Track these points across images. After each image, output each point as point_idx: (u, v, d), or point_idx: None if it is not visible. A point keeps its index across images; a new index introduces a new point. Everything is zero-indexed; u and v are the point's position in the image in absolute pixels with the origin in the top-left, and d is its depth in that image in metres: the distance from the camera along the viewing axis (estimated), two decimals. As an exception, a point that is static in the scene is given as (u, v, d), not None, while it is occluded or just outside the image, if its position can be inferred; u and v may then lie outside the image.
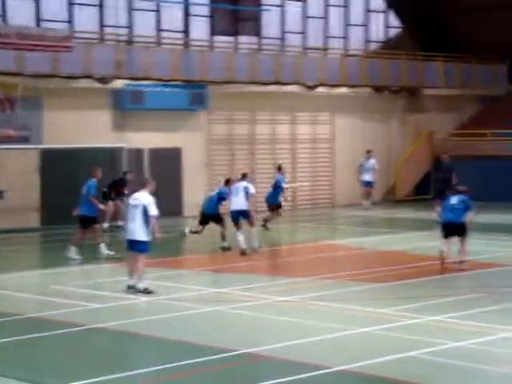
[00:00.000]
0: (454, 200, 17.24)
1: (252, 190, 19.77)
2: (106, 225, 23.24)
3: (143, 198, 14.67)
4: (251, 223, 19.49)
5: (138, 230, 14.54)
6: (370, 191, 29.59)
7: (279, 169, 24.35)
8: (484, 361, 10.27)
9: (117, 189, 24.07)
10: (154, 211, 14.55)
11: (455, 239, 17.02)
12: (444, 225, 17.21)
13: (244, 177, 20.36)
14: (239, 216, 19.46)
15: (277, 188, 23.92)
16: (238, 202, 19.50)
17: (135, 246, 14.65)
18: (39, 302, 14.22)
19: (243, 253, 18.92)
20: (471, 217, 16.89)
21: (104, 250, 18.83)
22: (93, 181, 19.30)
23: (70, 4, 27.44)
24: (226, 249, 19.42)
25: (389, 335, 11.68)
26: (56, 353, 11.15)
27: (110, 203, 23.71)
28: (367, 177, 29.39)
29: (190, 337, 11.65)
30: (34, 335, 11.82)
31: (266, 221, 23.31)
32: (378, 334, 11.78)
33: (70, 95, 25.42)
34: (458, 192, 17.43)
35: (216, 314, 13.28)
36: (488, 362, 10.23)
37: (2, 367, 10.17)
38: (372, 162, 29.51)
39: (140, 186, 15.06)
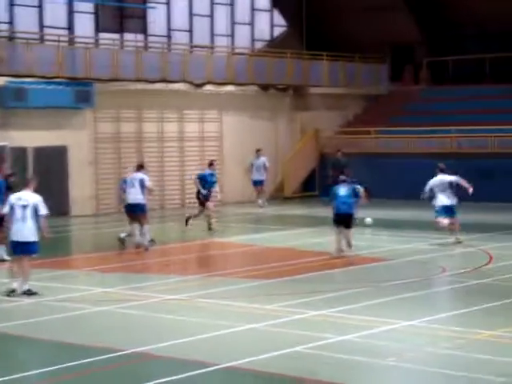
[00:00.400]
0: (342, 191, 17.76)
1: (148, 182, 19.64)
2: None
3: (31, 198, 14.33)
4: (145, 218, 19.34)
5: (29, 231, 14.20)
6: (261, 190, 29.86)
7: (211, 164, 23.76)
8: (369, 354, 10.53)
9: None
10: (44, 210, 14.27)
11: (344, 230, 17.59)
12: (336, 215, 17.79)
13: (140, 168, 20.10)
14: (134, 209, 19.33)
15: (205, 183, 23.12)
16: (134, 194, 19.34)
17: (26, 248, 14.26)
18: None
19: (138, 247, 18.96)
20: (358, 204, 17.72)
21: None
22: None
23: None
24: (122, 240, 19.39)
25: (276, 331, 11.84)
26: None
27: None
28: (257, 175, 29.72)
29: (78, 338, 11.50)
30: None
31: (189, 218, 23.08)
32: (265, 329, 11.92)
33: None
34: (342, 182, 18.01)
35: (104, 313, 13.15)
36: (373, 354, 10.49)
37: None
38: (262, 160, 29.84)
39: (23, 184, 14.68)
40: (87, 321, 12.76)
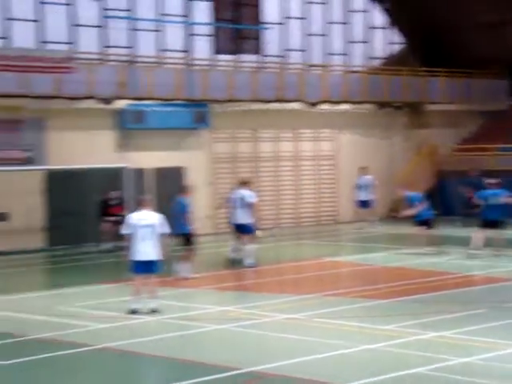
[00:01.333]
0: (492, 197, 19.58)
1: (251, 198, 19.54)
2: (108, 246, 23.38)
3: (153, 217, 14.63)
4: (249, 238, 19.38)
5: (152, 250, 14.48)
6: (366, 212, 28.76)
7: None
8: (495, 377, 10.22)
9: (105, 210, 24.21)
10: (165, 229, 14.56)
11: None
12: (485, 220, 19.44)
13: (243, 184, 19.88)
14: (240, 229, 19.43)
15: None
16: (238, 213, 19.39)
17: (149, 267, 14.53)
18: (43, 323, 14.19)
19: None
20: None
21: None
22: (185, 199, 18.72)
23: (72, 25, 27.59)
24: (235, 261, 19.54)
25: (394, 352, 11.64)
26: (63, 374, 11.13)
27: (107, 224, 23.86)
28: (363, 196, 28.41)
29: (197, 355, 11.63)
30: (38, 356, 11.80)
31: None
32: (383, 350, 11.74)
33: (73, 116, 25.50)
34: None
35: (222, 332, 13.26)
36: (499, 378, 10.18)
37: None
38: (368, 178, 28.70)
39: (141, 205, 14.95)
40: (206, 339, 12.89)
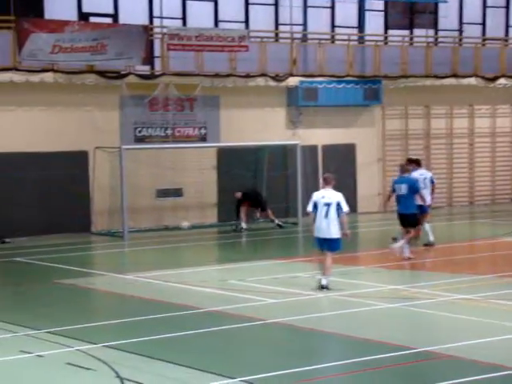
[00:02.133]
0: None
1: (422, 183, 18.95)
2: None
3: (334, 195, 14.64)
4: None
5: (332, 228, 14.54)
6: None
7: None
8: None
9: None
10: (346, 207, 14.56)
11: None
12: None
13: (413, 164, 19.22)
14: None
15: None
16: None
17: (330, 245, 14.61)
18: (218, 297, 14.53)
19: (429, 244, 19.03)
20: None
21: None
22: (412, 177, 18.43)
23: (247, 4, 27.93)
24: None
25: None
26: (238, 345, 11.35)
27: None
28: None
29: (368, 333, 11.53)
30: (213, 328, 12.09)
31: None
32: None
33: (245, 94, 25.86)
34: None
35: (393, 311, 13.09)
36: None
37: (182, 357, 10.45)
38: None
39: (325, 182, 14.92)
40: (377, 317, 12.77)
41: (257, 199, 24.31)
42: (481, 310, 12.83)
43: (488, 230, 23.40)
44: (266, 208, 24.29)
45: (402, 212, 17.93)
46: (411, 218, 17.80)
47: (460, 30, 31.17)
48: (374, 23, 29.77)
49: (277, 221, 24.17)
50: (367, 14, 29.69)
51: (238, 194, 23.93)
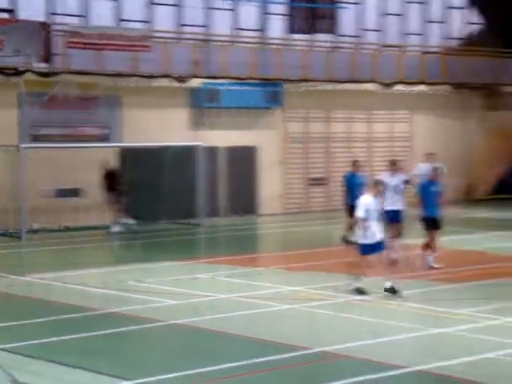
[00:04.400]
0: None
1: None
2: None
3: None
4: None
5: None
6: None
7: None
8: None
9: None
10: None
11: None
12: None
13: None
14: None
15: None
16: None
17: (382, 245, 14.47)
18: (117, 298, 14.43)
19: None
20: None
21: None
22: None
23: (150, 4, 27.82)
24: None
25: (467, 336, 11.48)
26: (136, 347, 11.32)
27: None
28: None
29: (266, 334, 11.67)
30: (113, 330, 12.02)
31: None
32: (456, 334, 11.60)
33: (148, 94, 25.76)
34: None
35: (291, 311, 13.27)
36: None
37: (81, 360, 10.37)
38: (437, 166, 25.03)
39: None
40: (275, 318, 12.93)
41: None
42: (378, 311, 13.15)
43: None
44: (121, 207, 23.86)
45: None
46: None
47: (359, 36, 31.81)
48: (277, 27, 30.10)
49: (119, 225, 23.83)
50: (269, 17, 30.00)
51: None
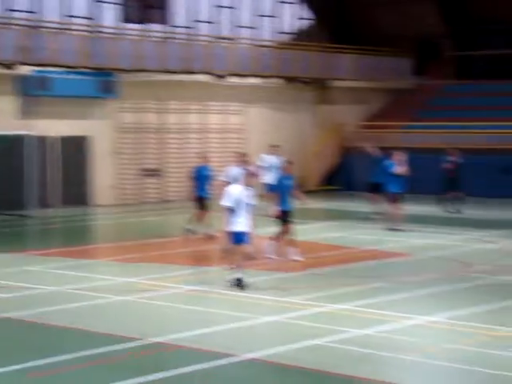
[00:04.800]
0: None
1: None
2: None
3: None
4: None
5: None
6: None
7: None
8: (391, 348, 10.43)
9: None
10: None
11: None
12: None
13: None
14: None
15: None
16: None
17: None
18: None
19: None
20: None
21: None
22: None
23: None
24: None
25: (296, 323, 11.76)
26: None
27: None
28: (268, 178, 22.91)
29: (100, 326, 11.50)
30: None
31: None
32: (286, 322, 11.86)
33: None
34: None
35: (125, 303, 13.13)
36: (395, 349, 10.39)
37: None
38: (278, 159, 23.47)
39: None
40: (108, 310, 12.76)
41: None
42: (211, 301, 13.23)
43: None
44: None
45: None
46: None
47: (192, 28, 31.85)
48: (109, 16, 29.64)
49: None
50: (102, 5, 29.49)
51: None
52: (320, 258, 17.07)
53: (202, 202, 19.83)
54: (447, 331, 11.35)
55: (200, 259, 17.74)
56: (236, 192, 14.15)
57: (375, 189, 22.83)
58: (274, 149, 24.58)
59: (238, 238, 13.99)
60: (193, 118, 30.14)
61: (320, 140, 33.17)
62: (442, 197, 25.29)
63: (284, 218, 16.75)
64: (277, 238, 16.93)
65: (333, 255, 17.40)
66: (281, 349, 10.39)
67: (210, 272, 15.90)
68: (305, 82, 32.90)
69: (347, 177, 31.43)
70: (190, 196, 20.24)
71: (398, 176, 21.01)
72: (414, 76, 35.75)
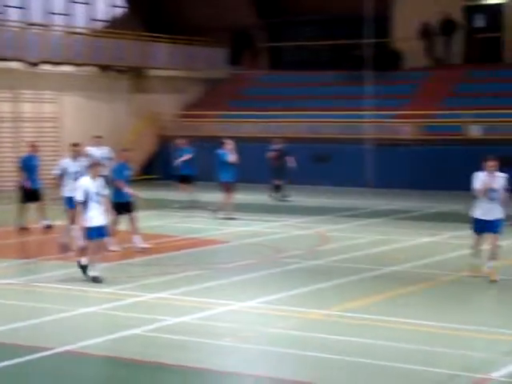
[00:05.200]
0: None
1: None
2: None
3: None
4: None
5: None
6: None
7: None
8: (206, 335, 10.60)
9: None
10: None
11: None
12: None
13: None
14: None
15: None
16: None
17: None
18: None
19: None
20: None
21: None
22: None
23: None
24: None
25: (113, 314, 11.72)
26: None
27: None
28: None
29: None
30: None
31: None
32: (102, 313, 11.79)
33: None
34: None
35: None
36: (209, 335, 10.58)
37: None
38: (105, 150, 22.94)
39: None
40: None
41: None
42: (24, 294, 12.92)
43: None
44: None
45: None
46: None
47: (2, 13, 30.78)
48: None
49: None
50: None
51: None
52: (135, 248, 16.99)
53: (29, 192, 19.30)
54: (263, 315, 11.67)
55: (22, 251, 17.24)
56: (85, 184, 13.81)
57: (185, 180, 23.74)
58: (96, 140, 24.01)
59: (93, 232, 13.68)
60: (5, 107, 29.14)
61: (136, 129, 33.01)
62: (269, 185, 25.83)
63: (123, 208, 16.41)
64: (113, 229, 16.49)
65: (152, 244, 17.38)
66: (98, 340, 10.32)
67: (31, 264, 15.49)
68: (120, 71, 32.60)
69: (165, 166, 31.47)
70: (18, 186, 19.69)
71: (229, 165, 21.32)
72: (229, 66, 36.28)
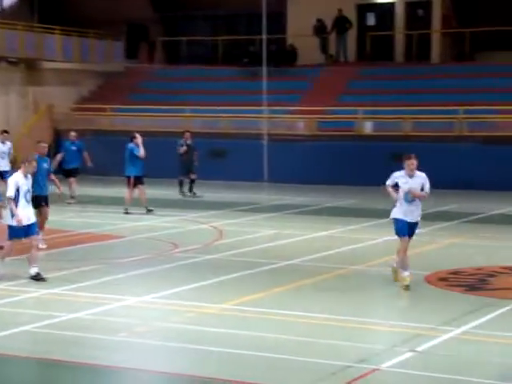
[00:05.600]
0: None
1: None
2: None
3: None
4: None
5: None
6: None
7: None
8: (100, 330, 10.48)
9: None
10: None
11: None
12: None
13: None
14: None
15: None
16: None
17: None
18: None
19: None
20: None
21: None
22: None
23: None
24: None
25: (4, 310, 11.44)
26: None
27: None
28: (3, 164, 22.75)
29: None
30: None
31: None
32: (-7, 310, 11.51)
33: None
34: None
35: None
36: (104, 331, 10.45)
37: None
38: (8, 145, 23.23)
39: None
40: None
41: None
42: None
43: None
44: None
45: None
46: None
47: None
48: None
49: None
50: None
51: None
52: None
53: None
54: (158, 310, 11.60)
55: None
56: (16, 181, 13.38)
57: (70, 174, 23.61)
58: (4, 135, 23.51)
59: (21, 231, 13.30)
60: None
61: (30, 122, 32.29)
62: (179, 180, 25.44)
63: (38, 202, 15.81)
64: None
65: (46, 239, 17.02)
66: (-11, 337, 10.06)
67: None
68: (12, 62, 31.80)
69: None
70: None
71: (137, 159, 21.11)
72: (124, 59, 35.90)
